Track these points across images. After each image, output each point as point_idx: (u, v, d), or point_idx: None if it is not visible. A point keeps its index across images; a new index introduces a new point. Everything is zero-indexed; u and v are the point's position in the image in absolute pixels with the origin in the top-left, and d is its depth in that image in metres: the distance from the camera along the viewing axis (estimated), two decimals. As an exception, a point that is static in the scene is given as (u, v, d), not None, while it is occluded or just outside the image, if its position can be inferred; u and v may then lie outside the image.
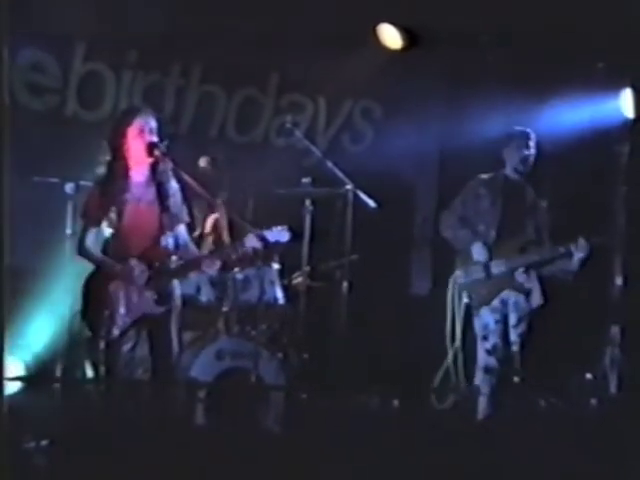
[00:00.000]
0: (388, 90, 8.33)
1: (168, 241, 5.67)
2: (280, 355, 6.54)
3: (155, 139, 5.60)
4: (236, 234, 6.10)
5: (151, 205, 5.64)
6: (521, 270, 6.59)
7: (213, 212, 6.87)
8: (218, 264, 5.81)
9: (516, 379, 6.51)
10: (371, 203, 6.21)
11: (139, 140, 5.58)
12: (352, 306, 6.35)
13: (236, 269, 6.63)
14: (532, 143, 6.71)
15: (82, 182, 6.33)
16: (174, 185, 5.70)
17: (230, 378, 6.27)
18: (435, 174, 8.77)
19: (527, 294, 6.62)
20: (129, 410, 5.39)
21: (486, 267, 6.61)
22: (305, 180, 6.37)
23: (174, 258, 5.63)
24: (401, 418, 6.32)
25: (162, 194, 5.65)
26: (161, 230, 5.64)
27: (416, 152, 8.36)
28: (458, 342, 6.65)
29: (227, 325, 6.57)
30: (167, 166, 5.64)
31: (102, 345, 5.51)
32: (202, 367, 6.24)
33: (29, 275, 6.73)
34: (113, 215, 5.54)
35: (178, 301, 5.70)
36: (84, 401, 5.73)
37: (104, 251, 5.58)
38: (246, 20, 7.33)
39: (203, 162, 6.84)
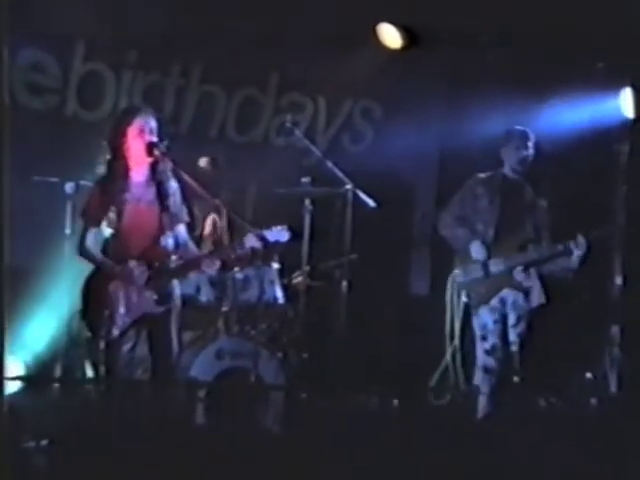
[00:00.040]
0: (388, 90, 8.34)
1: (168, 241, 5.67)
2: (280, 355, 6.54)
3: (155, 139, 5.60)
4: (236, 234, 6.09)
5: (151, 205, 5.65)
6: (520, 269, 6.58)
7: (213, 212, 6.88)
8: (218, 264, 5.81)
9: (516, 379, 6.51)
10: (371, 203, 6.22)
11: (139, 140, 5.58)
12: (351, 306, 6.36)
13: (236, 269, 6.63)
14: (530, 143, 6.70)
15: (82, 182, 6.35)
16: (174, 185, 5.71)
17: (230, 378, 6.27)
18: (435, 174, 8.77)
19: (526, 293, 6.61)
20: (129, 410, 5.39)
21: (485, 266, 6.61)
22: (305, 180, 6.37)
23: (174, 258, 5.63)
24: (400, 418, 6.31)
25: (162, 194, 5.65)
26: (161, 230, 5.64)
27: (416, 152, 8.36)
28: (457, 341, 6.64)
29: (227, 325, 6.57)
30: (167, 166, 5.64)
31: (102, 345, 5.51)
32: (202, 367, 6.25)
33: (29, 275, 6.73)
34: (113, 215, 5.54)
35: (178, 301, 5.70)
36: (84, 401, 5.73)
37: (104, 251, 5.59)
38: (246, 20, 7.33)
39: (203, 162, 6.84)
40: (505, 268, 6.59)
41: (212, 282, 6.65)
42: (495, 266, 6.60)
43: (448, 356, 6.67)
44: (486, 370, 6.57)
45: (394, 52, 7.81)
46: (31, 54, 7.19)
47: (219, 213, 6.82)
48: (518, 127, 6.79)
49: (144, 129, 5.60)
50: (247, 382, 6.18)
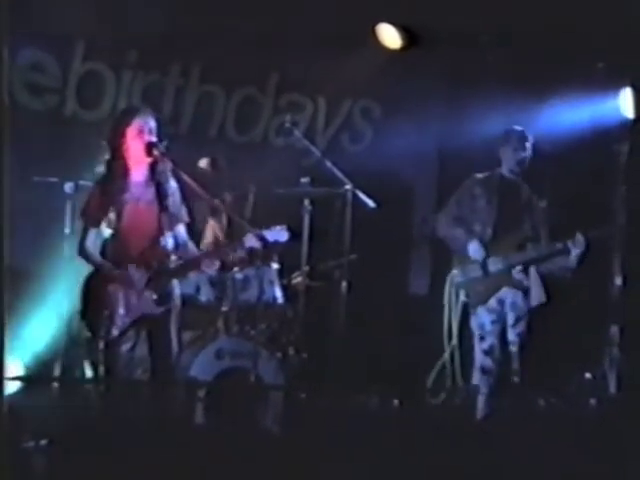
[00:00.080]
0: (388, 90, 8.34)
1: (167, 241, 5.66)
2: (279, 355, 6.54)
3: (154, 139, 5.59)
4: (235, 234, 6.09)
5: (150, 205, 5.64)
6: (519, 268, 6.58)
7: (212, 212, 6.88)
8: (217, 264, 5.81)
9: (515, 379, 6.50)
10: (370, 203, 6.22)
11: (138, 140, 5.57)
12: (351, 306, 6.36)
13: (235, 269, 6.63)
14: (528, 144, 6.69)
15: (81, 182, 6.35)
16: (173, 185, 5.70)
17: (229, 378, 6.27)
18: (434, 174, 8.77)
19: (525, 292, 6.60)
20: (129, 410, 5.39)
21: (483, 265, 6.60)
22: (304, 180, 6.37)
23: (173, 258, 5.63)
24: (400, 418, 6.31)
25: (161, 194, 5.64)
26: (160, 230, 5.63)
27: (415, 152, 8.35)
28: (455, 340, 6.63)
29: (226, 325, 6.57)
30: (166, 166, 5.64)
31: (101, 345, 5.51)
32: (201, 367, 6.25)
33: (29, 275, 6.73)
34: (112, 215, 5.54)
35: (177, 301, 5.70)
36: (83, 401, 5.73)
37: (103, 251, 5.58)
38: (246, 20, 7.33)
39: (203, 163, 6.84)
40: (504, 267, 6.59)
41: (212, 282, 6.65)
42: (494, 265, 6.59)
43: (446, 355, 6.66)
44: (484, 371, 6.56)
45: (394, 52, 7.82)
46: (31, 54, 7.20)
47: (219, 213, 6.82)
48: (517, 128, 6.77)
49: (143, 129, 5.59)
50: (247, 382, 6.18)
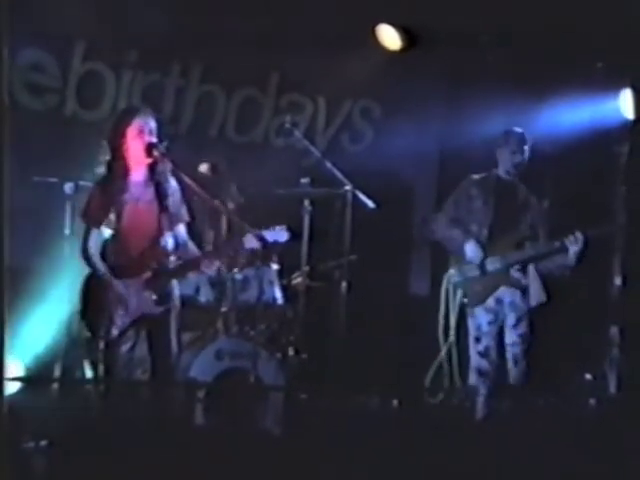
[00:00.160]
0: (388, 90, 8.34)
1: (167, 241, 5.66)
2: (279, 355, 6.54)
3: (154, 140, 5.59)
4: (235, 234, 6.09)
5: (150, 205, 5.64)
6: (517, 266, 6.56)
7: (212, 213, 6.87)
8: (217, 264, 5.81)
9: (517, 381, 6.49)
10: (370, 203, 6.21)
11: (138, 140, 5.57)
12: (351, 306, 6.35)
13: (235, 269, 6.63)
14: (527, 147, 6.67)
15: (81, 182, 6.36)
16: (173, 184, 5.70)
17: (229, 378, 6.27)
18: (434, 174, 8.77)
19: (524, 291, 6.58)
20: (129, 410, 5.39)
21: (481, 264, 6.58)
22: (304, 180, 6.38)
23: (173, 258, 5.62)
24: (400, 418, 6.31)
25: (161, 194, 5.64)
26: (160, 230, 5.63)
27: (415, 152, 8.35)
28: (451, 340, 6.61)
29: (226, 325, 6.57)
30: (166, 167, 5.64)
31: (101, 345, 5.51)
32: (201, 367, 6.25)
33: (29, 275, 6.72)
34: (112, 216, 5.54)
35: (177, 301, 5.70)
36: (83, 401, 5.73)
37: (103, 252, 5.58)
38: (246, 20, 7.33)
39: (203, 168, 6.82)
40: (502, 266, 6.57)
41: (211, 282, 6.65)
42: (492, 264, 6.56)
43: (442, 355, 6.64)
44: (480, 372, 6.54)
45: (394, 53, 7.82)
46: (31, 54, 7.19)
47: (218, 214, 6.82)
48: (516, 130, 6.74)
49: (143, 130, 5.59)
50: (246, 383, 6.18)
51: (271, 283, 6.81)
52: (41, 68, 7.29)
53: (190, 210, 5.86)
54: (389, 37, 7.79)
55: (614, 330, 7.95)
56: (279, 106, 8.13)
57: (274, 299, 6.80)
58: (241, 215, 6.28)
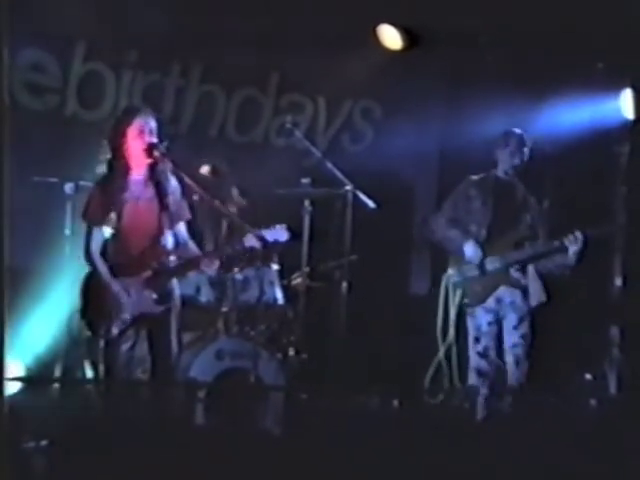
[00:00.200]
0: (388, 90, 8.34)
1: (167, 240, 5.66)
2: (279, 355, 6.54)
3: (155, 140, 5.58)
4: (235, 234, 6.09)
5: (150, 203, 5.63)
6: (516, 266, 6.55)
7: (212, 213, 6.88)
8: (217, 263, 5.81)
9: (519, 382, 6.49)
10: (370, 203, 6.21)
11: (139, 141, 5.57)
12: (351, 306, 6.35)
13: (236, 269, 6.63)
14: (526, 149, 6.66)
15: (82, 182, 6.36)
16: (173, 183, 5.69)
17: (229, 378, 6.27)
18: (435, 174, 8.77)
19: (524, 291, 6.58)
20: (129, 410, 5.39)
21: (480, 264, 6.57)
22: (304, 180, 6.38)
23: (173, 257, 5.62)
24: (400, 418, 6.31)
25: (161, 192, 5.64)
26: (160, 229, 5.63)
27: (416, 152, 8.35)
28: (449, 340, 6.60)
29: (226, 325, 6.57)
30: (166, 167, 5.64)
31: (101, 344, 5.51)
32: (202, 367, 6.25)
33: (29, 275, 6.72)
34: (113, 215, 5.54)
35: (177, 301, 5.70)
36: (84, 401, 5.73)
37: (104, 251, 5.58)
38: (246, 20, 7.33)
39: (204, 170, 6.82)
40: (501, 265, 6.56)
41: (212, 283, 6.65)
42: (491, 264, 6.55)
43: (441, 355, 6.63)
44: (479, 373, 6.54)
45: (394, 52, 7.82)
46: (31, 54, 7.19)
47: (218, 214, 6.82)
48: (516, 131, 6.72)
49: (144, 130, 5.59)
50: (247, 383, 6.18)
51: (271, 283, 6.81)
52: (41, 68, 7.30)
53: (191, 208, 5.85)
54: (390, 37, 7.80)
55: (614, 330, 7.95)
56: (279, 106, 8.13)
57: (274, 299, 6.80)
58: (241, 215, 6.29)
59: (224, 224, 6.78)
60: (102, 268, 5.54)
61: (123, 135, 5.59)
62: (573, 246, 6.40)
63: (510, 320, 6.55)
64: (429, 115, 8.57)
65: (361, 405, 6.58)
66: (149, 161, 5.59)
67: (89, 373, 6.25)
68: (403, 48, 7.79)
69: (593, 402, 7.00)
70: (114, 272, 5.54)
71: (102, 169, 5.69)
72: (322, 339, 6.59)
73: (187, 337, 6.41)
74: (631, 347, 7.70)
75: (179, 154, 5.77)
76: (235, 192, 6.90)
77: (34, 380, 6.48)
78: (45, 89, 7.35)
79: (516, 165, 6.63)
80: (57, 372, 6.55)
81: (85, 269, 5.64)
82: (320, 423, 5.45)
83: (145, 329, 5.61)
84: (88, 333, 5.62)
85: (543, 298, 6.56)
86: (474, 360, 6.57)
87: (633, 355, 7.61)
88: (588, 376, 7.62)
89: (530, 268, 6.56)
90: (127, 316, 5.50)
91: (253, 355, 6.21)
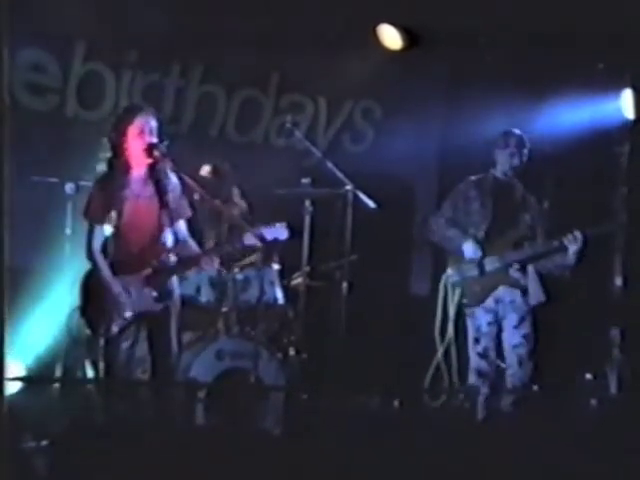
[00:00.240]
0: (388, 90, 8.34)
1: (167, 237, 5.66)
2: (280, 355, 6.54)
3: (155, 140, 5.58)
4: (235, 232, 6.09)
5: (150, 201, 5.62)
6: (516, 266, 6.55)
7: (212, 213, 6.88)
8: (217, 262, 5.80)
9: (520, 383, 6.48)
10: (371, 203, 6.22)
11: (139, 140, 5.56)
12: (352, 306, 6.36)
13: (236, 269, 6.63)
14: (526, 150, 6.65)
15: (82, 182, 6.36)
16: (173, 180, 5.68)
17: (230, 378, 6.27)
18: (435, 175, 8.77)
19: (524, 291, 6.57)
20: (129, 410, 5.39)
21: (479, 264, 6.57)
22: (305, 180, 6.38)
23: (173, 255, 5.62)
24: (401, 418, 6.31)
25: (161, 190, 5.63)
26: (160, 227, 5.63)
27: (416, 152, 8.36)
28: (449, 339, 6.59)
29: (227, 325, 6.57)
30: (166, 167, 5.64)
31: (101, 342, 5.51)
32: (202, 367, 6.25)
33: (29, 275, 6.72)
34: (114, 213, 5.53)
35: (178, 301, 5.70)
36: (84, 401, 5.73)
37: (104, 249, 5.58)
38: (246, 20, 7.33)
39: (205, 171, 6.82)
40: (501, 265, 6.55)
41: (212, 282, 6.65)
42: (490, 264, 6.55)
43: (439, 355, 6.63)
44: (480, 373, 6.53)
45: (394, 52, 7.82)
46: (31, 54, 7.19)
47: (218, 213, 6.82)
48: (516, 131, 6.70)
49: (144, 129, 5.58)
50: (247, 383, 6.17)
51: (272, 283, 6.81)
52: (41, 68, 7.30)
53: (191, 206, 5.85)
54: (390, 37, 7.80)
55: (615, 330, 7.95)
56: (279, 106, 8.14)
57: (275, 299, 6.80)
58: (242, 215, 6.28)
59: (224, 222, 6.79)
60: (104, 266, 5.54)
61: (124, 133, 5.58)
62: (573, 246, 6.40)
63: (510, 320, 6.54)
64: (429, 115, 8.57)
65: (361, 405, 6.58)
66: (149, 161, 5.59)
67: (89, 373, 6.25)
68: (403, 48, 7.79)
69: (593, 402, 6.99)
70: (114, 270, 5.54)
71: (102, 167, 5.69)
72: (322, 339, 6.59)
73: (187, 337, 6.42)
74: (631, 347, 7.70)
75: (179, 154, 5.76)
76: (236, 192, 6.91)
77: (34, 380, 6.48)
78: (45, 89, 7.35)
79: (515, 166, 6.62)
80: (57, 372, 6.55)
81: (85, 268, 5.64)
82: (320, 423, 5.45)
83: (145, 329, 5.61)
84: (88, 331, 5.61)
85: (542, 298, 6.55)
86: (474, 361, 6.56)
87: (633, 355, 7.61)
88: (588, 376, 7.61)
89: (529, 268, 6.56)
90: (127, 314, 5.50)
91: (253, 355, 6.20)
